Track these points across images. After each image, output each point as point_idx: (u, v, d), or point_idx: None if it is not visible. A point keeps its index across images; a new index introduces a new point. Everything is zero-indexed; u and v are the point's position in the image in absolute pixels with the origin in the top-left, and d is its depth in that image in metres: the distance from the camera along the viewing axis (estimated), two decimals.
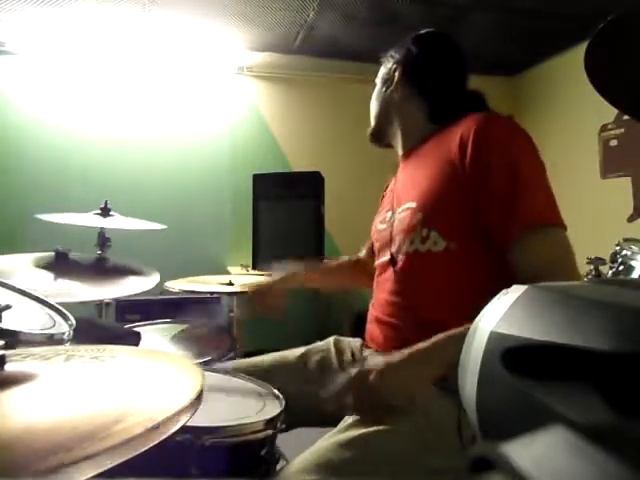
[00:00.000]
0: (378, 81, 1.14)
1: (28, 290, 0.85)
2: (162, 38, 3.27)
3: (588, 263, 1.76)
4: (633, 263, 1.50)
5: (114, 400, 0.46)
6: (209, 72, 3.59)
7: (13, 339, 0.64)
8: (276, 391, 0.87)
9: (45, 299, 0.84)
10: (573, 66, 3.29)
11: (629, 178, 3.14)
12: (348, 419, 0.81)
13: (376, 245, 1.12)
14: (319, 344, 1.15)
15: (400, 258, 0.98)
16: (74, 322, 0.79)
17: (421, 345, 0.81)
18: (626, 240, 1.63)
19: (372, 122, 1.16)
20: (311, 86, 3.74)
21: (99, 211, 1.32)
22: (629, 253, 1.53)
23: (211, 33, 3.23)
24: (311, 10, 2.94)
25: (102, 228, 1.29)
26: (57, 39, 3.21)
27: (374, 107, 1.15)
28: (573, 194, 3.51)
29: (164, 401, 0.45)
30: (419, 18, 2.96)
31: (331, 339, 1.16)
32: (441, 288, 0.92)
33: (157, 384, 0.51)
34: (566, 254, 0.84)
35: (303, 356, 1.11)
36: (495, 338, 0.37)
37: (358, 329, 1.15)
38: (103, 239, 1.29)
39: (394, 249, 1.00)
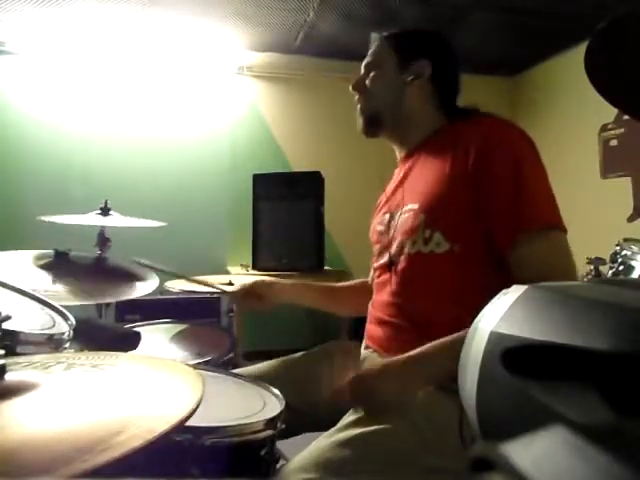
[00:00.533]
0: (385, 65, 1.07)
1: (28, 290, 0.85)
2: (162, 38, 3.27)
3: (588, 263, 1.76)
4: (633, 263, 1.50)
5: (114, 411, 0.46)
6: (209, 72, 3.59)
7: (13, 340, 0.64)
8: (276, 391, 0.87)
9: (45, 299, 0.84)
10: (573, 66, 3.29)
11: (629, 178, 3.14)
12: (347, 418, 0.81)
13: (375, 247, 1.11)
14: (317, 347, 1.15)
15: (401, 259, 0.98)
16: (74, 322, 0.79)
17: (419, 351, 0.82)
18: (626, 240, 1.63)
19: (373, 105, 1.07)
20: (311, 86, 3.74)
21: (99, 211, 1.32)
22: (629, 253, 1.53)
23: (211, 33, 3.23)
24: (311, 10, 2.94)
25: (102, 228, 1.29)
26: (57, 39, 3.21)
27: (383, 91, 1.06)
28: (573, 194, 3.51)
29: (164, 411, 0.45)
30: (419, 18, 2.96)
31: (330, 341, 1.16)
32: (443, 289, 0.92)
33: (157, 393, 0.51)
34: (566, 258, 0.85)
35: (302, 360, 1.11)
36: (495, 338, 0.37)
37: (357, 330, 1.14)
38: (103, 239, 1.30)
39: (394, 251, 1.00)
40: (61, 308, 0.83)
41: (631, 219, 3.07)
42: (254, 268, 2.94)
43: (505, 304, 0.39)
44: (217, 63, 3.56)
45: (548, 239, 0.84)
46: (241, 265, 3.14)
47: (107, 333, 1.04)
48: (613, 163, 3.26)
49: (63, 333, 0.74)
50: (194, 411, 0.46)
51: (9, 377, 0.51)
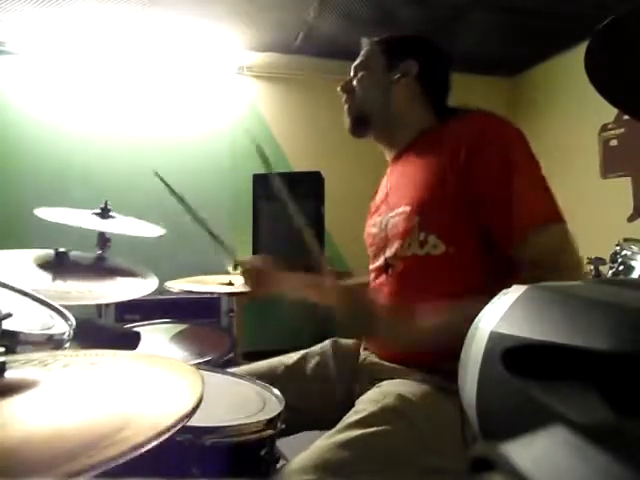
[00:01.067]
0: (373, 66, 1.09)
1: (28, 290, 0.85)
2: (162, 38, 3.27)
3: (588, 263, 1.76)
4: (633, 263, 1.50)
5: (115, 408, 0.46)
6: (209, 72, 3.59)
7: (13, 339, 0.64)
8: (276, 391, 0.87)
9: (45, 299, 0.84)
10: (573, 66, 3.29)
11: (629, 178, 3.14)
12: (347, 419, 0.81)
13: (370, 249, 1.10)
14: (317, 347, 1.15)
15: (397, 262, 0.97)
16: (74, 322, 0.79)
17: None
18: (626, 240, 1.63)
19: (360, 105, 1.08)
20: (311, 86, 3.74)
21: (99, 211, 1.32)
22: (629, 253, 1.53)
23: (211, 33, 3.23)
24: (311, 10, 2.94)
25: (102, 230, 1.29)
26: (57, 39, 3.21)
27: (370, 91, 1.07)
28: (573, 194, 3.51)
29: (165, 408, 0.45)
30: (419, 18, 2.96)
31: (329, 341, 1.16)
32: (440, 290, 0.92)
33: (157, 390, 0.51)
34: (567, 250, 0.86)
35: (301, 360, 1.11)
36: (495, 338, 0.37)
37: None
38: (103, 239, 1.30)
39: (389, 253, 0.99)
40: (61, 308, 0.83)
41: (631, 219, 3.07)
42: None
43: (505, 304, 0.39)
44: (217, 63, 3.56)
45: (549, 233, 0.84)
46: None
47: (107, 333, 1.04)
48: (613, 163, 3.26)
49: (63, 333, 0.74)
50: (196, 408, 0.46)
51: (9, 375, 0.51)
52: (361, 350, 1.08)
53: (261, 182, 3.07)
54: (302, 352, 1.14)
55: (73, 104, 3.35)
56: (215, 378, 0.95)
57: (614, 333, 0.31)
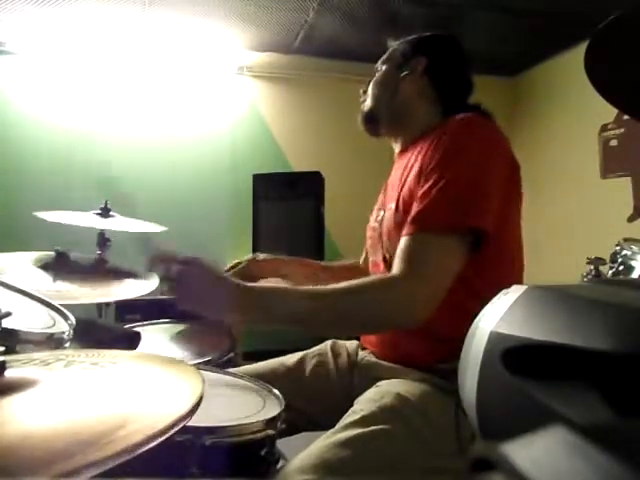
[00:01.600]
0: (387, 65, 1.11)
1: (28, 290, 0.85)
2: (162, 38, 3.27)
3: (588, 263, 1.76)
4: (633, 263, 1.50)
5: (115, 407, 0.46)
6: (209, 72, 3.59)
7: (13, 339, 0.64)
8: (276, 391, 0.87)
9: (45, 299, 0.84)
10: (573, 66, 3.29)
11: (629, 178, 3.14)
12: (346, 419, 0.81)
13: (368, 243, 1.12)
14: (316, 348, 1.15)
15: (391, 257, 0.98)
16: (74, 322, 0.79)
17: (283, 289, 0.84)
18: (626, 240, 1.63)
19: (370, 103, 1.10)
20: (311, 86, 3.74)
21: (99, 211, 1.32)
22: (629, 253, 1.53)
23: (211, 33, 3.23)
24: (311, 10, 2.94)
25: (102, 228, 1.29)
26: (57, 39, 3.21)
27: (379, 88, 1.10)
28: (573, 194, 3.51)
29: (165, 407, 0.45)
30: (419, 18, 2.96)
31: (328, 342, 1.16)
32: None
33: (158, 389, 0.51)
34: (433, 262, 0.83)
35: (300, 361, 1.11)
36: (495, 338, 0.37)
37: None
38: (103, 239, 1.30)
39: (384, 248, 1.01)
40: (61, 308, 0.83)
41: (631, 219, 3.07)
42: None
43: (505, 304, 0.39)
44: (217, 63, 3.57)
45: (425, 240, 0.83)
46: None
47: (107, 333, 1.04)
48: (613, 163, 3.26)
49: (63, 333, 0.74)
50: (196, 407, 0.46)
51: (9, 373, 0.51)
52: (359, 350, 1.08)
53: (261, 182, 3.07)
54: (301, 353, 1.14)
55: (73, 104, 3.36)
56: (215, 378, 0.95)
57: (614, 333, 0.31)
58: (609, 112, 3.06)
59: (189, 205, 3.44)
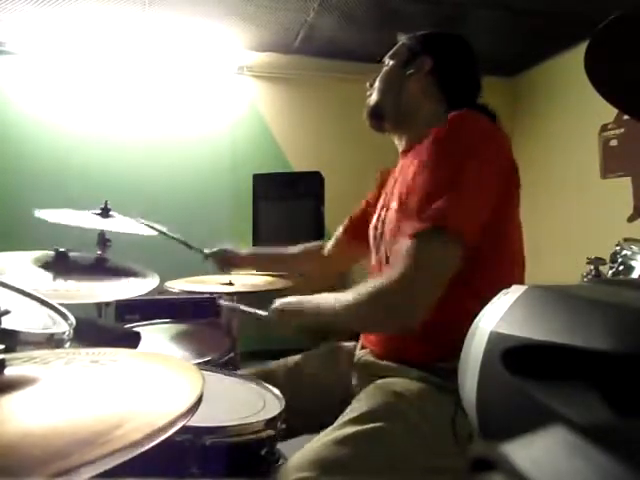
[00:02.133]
0: (393, 61, 1.10)
1: (28, 290, 0.85)
2: (162, 38, 3.27)
3: (588, 263, 1.76)
4: (633, 263, 1.50)
5: (114, 405, 0.46)
6: (209, 72, 3.59)
7: (13, 340, 0.64)
8: (276, 391, 0.87)
9: (45, 299, 0.84)
10: (573, 66, 3.29)
11: (629, 178, 3.14)
12: (344, 417, 0.81)
13: (371, 242, 1.12)
14: (316, 348, 1.15)
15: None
16: (74, 322, 0.79)
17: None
18: (626, 240, 1.63)
19: (376, 97, 1.10)
20: (311, 86, 3.74)
21: (99, 211, 1.32)
22: (629, 253, 1.53)
23: (211, 33, 3.23)
24: (311, 10, 2.94)
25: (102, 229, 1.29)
26: (57, 39, 3.21)
27: (385, 84, 1.09)
28: (573, 194, 3.51)
29: (164, 405, 0.45)
30: (419, 18, 2.96)
31: (328, 343, 1.16)
32: None
33: (157, 388, 0.51)
34: (425, 266, 0.82)
35: (300, 361, 1.11)
36: (495, 338, 0.37)
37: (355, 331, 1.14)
38: (103, 239, 1.30)
39: (386, 248, 1.01)
40: (61, 308, 0.82)
41: (631, 219, 3.07)
42: None
43: (505, 304, 0.39)
44: (217, 63, 3.57)
45: (416, 243, 0.83)
46: None
47: (107, 333, 1.04)
48: (613, 163, 3.26)
49: (63, 333, 0.74)
50: (195, 407, 0.46)
51: (8, 372, 0.51)
52: (358, 349, 1.08)
53: (261, 182, 3.07)
54: (302, 354, 1.14)
55: (73, 104, 3.36)
56: (215, 378, 0.95)
57: (614, 333, 0.31)
58: (609, 112, 3.06)
59: (189, 205, 3.44)
